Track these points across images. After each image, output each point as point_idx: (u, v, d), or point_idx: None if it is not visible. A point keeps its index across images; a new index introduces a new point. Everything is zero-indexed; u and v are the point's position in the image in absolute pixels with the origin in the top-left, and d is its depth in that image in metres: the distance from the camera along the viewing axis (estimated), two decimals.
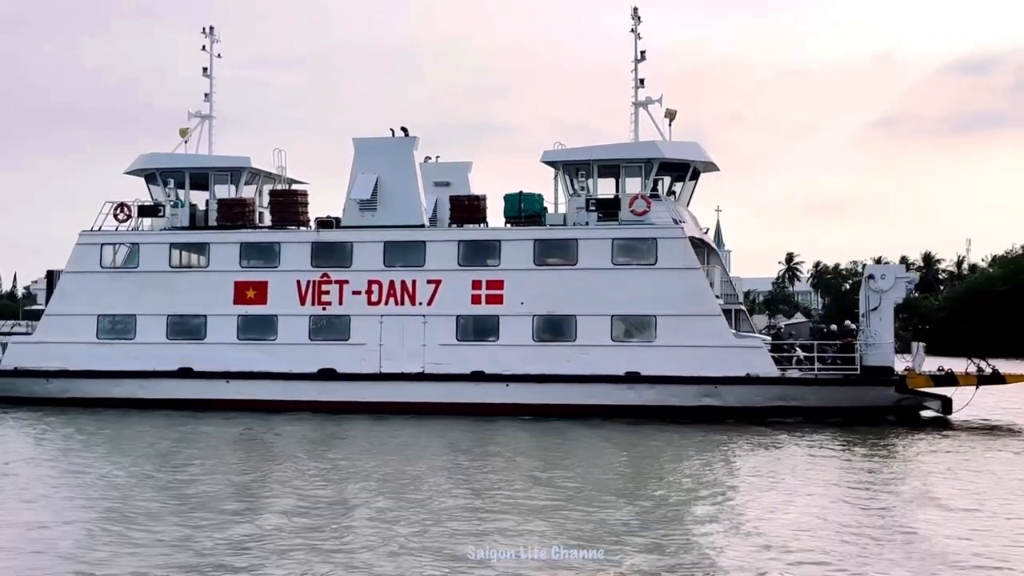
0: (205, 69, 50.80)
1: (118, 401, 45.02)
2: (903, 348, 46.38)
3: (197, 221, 47.95)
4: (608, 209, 44.26)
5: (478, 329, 44.09)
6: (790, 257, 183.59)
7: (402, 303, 44.51)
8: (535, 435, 37.46)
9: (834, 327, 45.37)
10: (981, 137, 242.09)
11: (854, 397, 41.86)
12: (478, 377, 43.38)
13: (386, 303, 44.62)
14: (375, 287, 44.78)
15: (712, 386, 41.85)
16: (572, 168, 45.71)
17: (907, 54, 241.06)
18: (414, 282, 44.50)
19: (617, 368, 42.55)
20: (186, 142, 49.91)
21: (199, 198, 49.45)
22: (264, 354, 45.05)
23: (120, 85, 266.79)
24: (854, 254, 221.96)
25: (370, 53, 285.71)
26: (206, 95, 50.73)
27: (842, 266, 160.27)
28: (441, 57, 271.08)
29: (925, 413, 43.16)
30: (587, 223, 44.05)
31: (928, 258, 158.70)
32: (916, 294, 41.19)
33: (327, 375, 44.47)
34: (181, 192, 48.64)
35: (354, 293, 44.89)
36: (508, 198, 45.35)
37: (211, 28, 50.92)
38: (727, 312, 43.98)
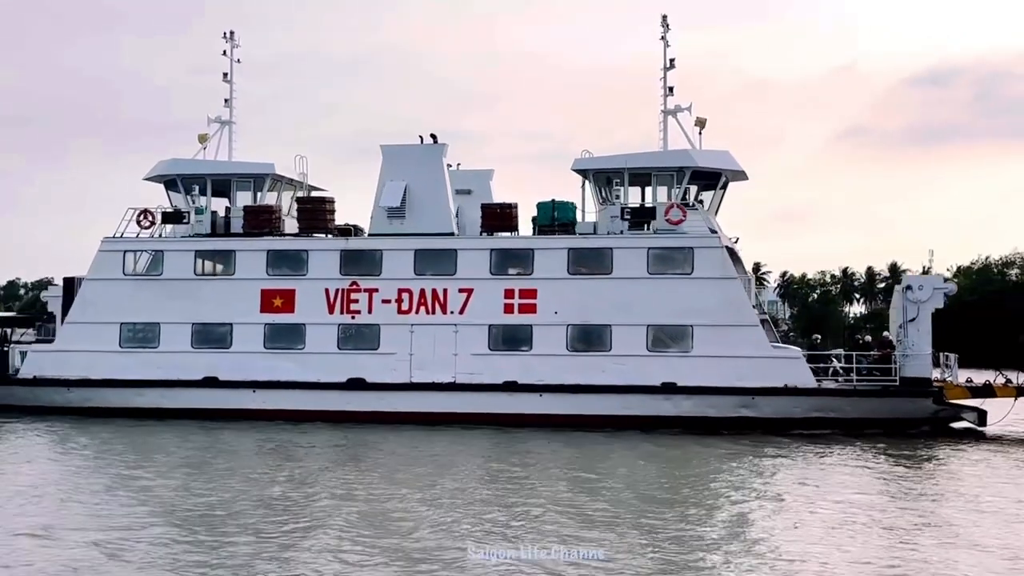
0: (226, 75, 50.13)
1: (141, 411, 44.18)
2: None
3: (217, 228, 47.23)
4: (642, 218, 43.90)
5: (511, 338, 43.57)
6: (757, 267, 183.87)
7: (433, 312, 43.95)
8: (567, 445, 36.92)
9: (869, 339, 45.15)
10: (943, 149, 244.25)
11: (892, 409, 41.59)
12: (511, 387, 42.85)
13: (417, 312, 44.04)
14: (405, 295, 44.19)
15: (749, 397, 41.52)
16: (603, 177, 45.36)
17: (868, 67, 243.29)
18: (445, 291, 43.96)
19: (653, 379, 42.15)
20: (204, 148, 49.22)
21: (218, 204, 48.64)
22: (292, 363, 44.37)
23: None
24: (821, 264, 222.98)
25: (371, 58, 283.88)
26: (226, 100, 50.05)
27: (808, 276, 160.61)
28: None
29: (958, 424, 42.98)
30: (621, 232, 43.69)
31: (894, 269, 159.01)
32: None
33: (356, 385, 43.84)
34: (202, 199, 47.91)
35: (384, 302, 44.28)
36: (541, 206, 44.79)
37: (231, 32, 50.24)
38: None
